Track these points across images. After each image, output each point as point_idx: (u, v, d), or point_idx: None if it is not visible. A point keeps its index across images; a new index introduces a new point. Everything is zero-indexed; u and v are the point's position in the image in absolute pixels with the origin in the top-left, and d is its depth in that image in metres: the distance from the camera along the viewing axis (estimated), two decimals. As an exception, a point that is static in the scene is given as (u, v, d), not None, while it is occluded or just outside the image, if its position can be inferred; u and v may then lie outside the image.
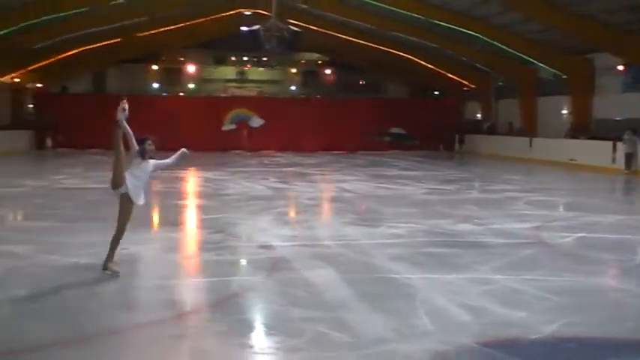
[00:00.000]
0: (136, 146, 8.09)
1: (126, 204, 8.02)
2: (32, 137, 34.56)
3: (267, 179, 20.37)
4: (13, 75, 35.37)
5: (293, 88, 46.69)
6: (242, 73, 45.80)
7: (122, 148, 7.90)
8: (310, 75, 46.69)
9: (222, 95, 43.11)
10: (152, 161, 8.20)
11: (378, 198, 16.13)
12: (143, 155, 8.10)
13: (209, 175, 21.62)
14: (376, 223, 11.86)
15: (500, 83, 36.79)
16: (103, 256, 8.02)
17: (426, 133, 37.43)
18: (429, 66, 37.18)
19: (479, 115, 38.96)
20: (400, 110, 38.33)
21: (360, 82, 45.72)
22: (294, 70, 46.66)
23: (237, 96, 42.59)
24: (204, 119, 35.72)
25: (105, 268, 7.76)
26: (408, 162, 29.15)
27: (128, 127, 8.15)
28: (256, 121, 36.64)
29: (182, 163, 8.56)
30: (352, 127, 36.78)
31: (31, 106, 37.55)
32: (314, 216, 13.55)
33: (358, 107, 37.99)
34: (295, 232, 11.26)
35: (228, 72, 46.44)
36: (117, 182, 7.88)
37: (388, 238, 10.55)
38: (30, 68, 35.37)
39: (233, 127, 36.40)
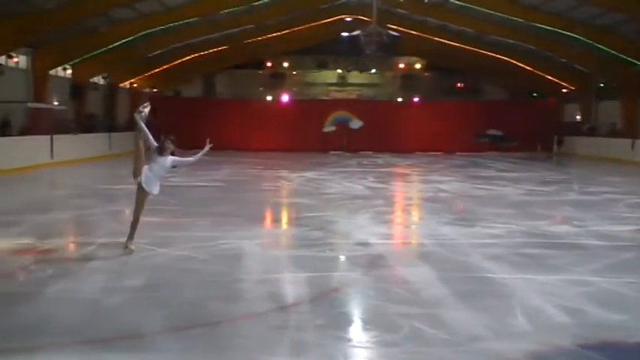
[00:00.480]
0: (154, 144, 8.76)
1: (139, 192, 8.86)
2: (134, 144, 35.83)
3: (366, 179, 20.35)
4: (132, 80, 36.86)
5: (392, 91, 46.48)
6: (342, 77, 45.92)
7: (141, 144, 8.79)
8: (409, 78, 46.28)
9: (324, 98, 43.38)
10: (171, 158, 8.83)
11: (474, 198, 15.83)
12: (161, 152, 8.74)
13: (310, 174, 21.79)
14: (472, 223, 11.64)
15: (602, 85, 35.39)
16: (210, 250, 8.23)
17: (524, 134, 36.47)
18: (528, 68, 36.21)
19: (578, 117, 37.63)
20: (498, 112, 37.49)
21: (458, 85, 45.00)
22: (392, 74, 46.44)
23: (337, 99, 42.75)
24: (306, 121, 36.08)
25: (125, 247, 8.70)
26: (505, 163, 28.49)
27: (144, 127, 8.78)
28: (356, 123, 36.70)
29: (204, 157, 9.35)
30: (450, 129, 36.27)
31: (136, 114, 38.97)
32: (411, 215, 13.44)
33: (456, 109, 37.47)
34: (392, 230, 11.20)
35: (329, 76, 46.64)
36: (135, 173, 8.81)
37: (484, 237, 10.33)
38: (146, 74, 36.76)
39: (333, 129, 36.60)
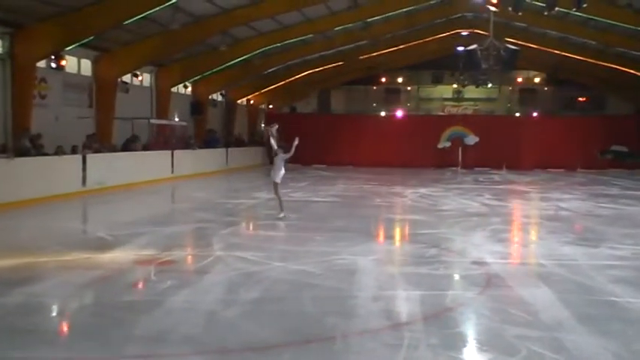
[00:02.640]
0: (275, 147, 14.15)
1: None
2: (265, 153, 36.66)
3: (482, 196, 20.00)
4: (249, 97, 37.95)
5: (509, 105, 45.52)
6: (458, 91, 45.43)
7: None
8: (527, 92, 45.26)
9: (439, 113, 43.02)
10: (281, 155, 14.06)
11: (598, 217, 15.24)
12: (276, 154, 14.14)
13: (424, 191, 21.64)
14: (596, 244, 11.21)
15: None
16: (326, 265, 8.36)
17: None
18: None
19: None
20: (623, 127, 35.81)
21: (580, 99, 43.52)
22: (510, 88, 45.49)
23: (452, 114, 42.31)
24: (420, 137, 35.78)
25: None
26: (631, 181, 27.23)
27: (272, 139, 14.22)
28: (471, 139, 36.07)
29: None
30: (570, 145, 34.99)
31: (263, 125, 39.97)
32: (529, 234, 13.11)
33: (577, 124, 36.12)
34: (510, 249, 10.96)
35: (445, 91, 46.28)
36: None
37: (609, 259, 9.93)
38: (263, 91, 37.75)
39: (448, 144, 36.13)
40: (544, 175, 31.15)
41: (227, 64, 29.44)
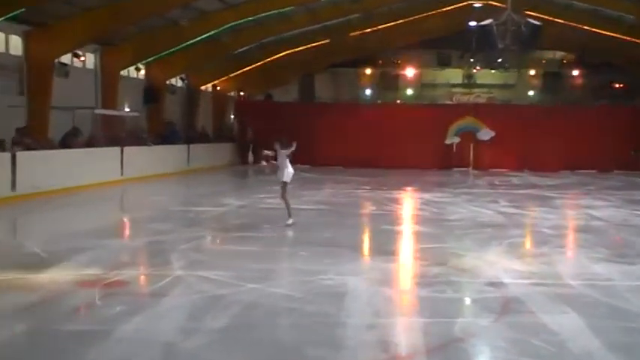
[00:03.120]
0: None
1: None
2: (235, 150, 36.58)
3: (498, 203, 20.09)
4: (215, 82, 37.89)
5: (531, 93, 45.79)
6: (469, 76, 45.72)
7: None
8: (552, 77, 45.57)
9: (446, 102, 43.18)
10: (282, 151, 14.99)
11: (636, 228, 15.39)
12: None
13: (428, 196, 21.71)
14: (634, 260, 11.32)
15: None
16: (309, 286, 8.39)
17: None
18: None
19: None
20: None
21: (617, 86, 43.84)
22: (532, 72, 45.78)
23: (462, 103, 42.49)
24: (424, 131, 35.79)
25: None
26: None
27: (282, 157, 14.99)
28: (485, 134, 36.16)
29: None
30: (604, 141, 35.13)
31: (233, 116, 39.94)
32: (554, 249, 13.19)
33: (613, 116, 36.21)
34: (531, 267, 11.02)
35: (453, 75, 46.53)
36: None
37: (649, 278, 10.06)
38: (232, 75, 37.71)
39: (457, 140, 36.19)
40: (572, 177, 31.34)
41: (189, 43, 29.38)
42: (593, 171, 34.18)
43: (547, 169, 34.15)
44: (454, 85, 46.66)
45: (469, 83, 46.26)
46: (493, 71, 44.03)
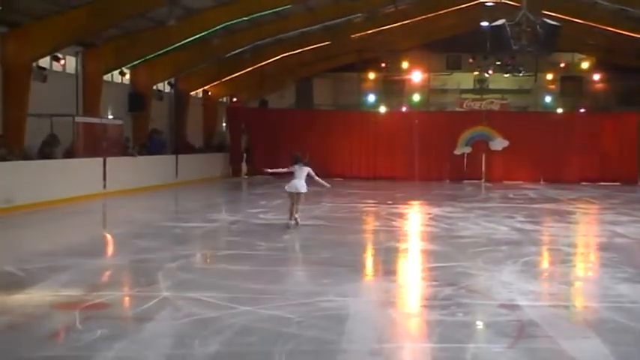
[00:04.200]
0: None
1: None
2: (226, 161, 36.56)
3: (513, 218, 20.06)
4: (206, 87, 37.90)
5: (548, 99, 45.82)
6: (481, 80, 45.72)
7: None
8: (572, 82, 45.59)
9: (456, 109, 43.19)
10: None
11: (664, 246, 15.36)
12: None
13: (438, 211, 21.69)
14: (662, 281, 11.30)
15: None
16: (308, 309, 8.34)
17: None
18: None
19: None
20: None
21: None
22: (549, 77, 45.81)
23: (473, 110, 42.50)
24: (432, 140, 35.82)
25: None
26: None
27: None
28: (499, 143, 36.20)
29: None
30: (630, 151, 35.16)
31: (224, 124, 39.92)
32: (574, 268, 13.16)
33: (638, 124, 36.38)
34: (549, 288, 10.99)
35: (464, 80, 46.54)
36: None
37: (679, 301, 10.02)
38: (224, 79, 37.73)
39: (469, 150, 36.21)
40: (594, 190, 31.32)
41: (177, 45, 29.39)
42: (617, 183, 34.19)
43: (566, 180, 34.17)
44: (465, 91, 46.66)
45: (481, 88, 46.24)
46: (507, 75, 44.03)
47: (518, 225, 18.65)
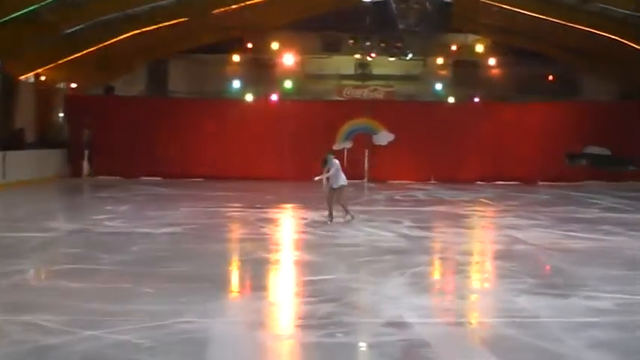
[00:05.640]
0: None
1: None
2: (65, 159, 35.83)
3: (401, 223, 20.34)
4: (39, 71, 37.03)
5: (439, 87, 46.59)
6: (363, 65, 46.06)
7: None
8: (466, 67, 46.31)
9: (335, 98, 43.43)
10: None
11: (568, 254, 15.77)
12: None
13: (314, 215, 21.80)
14: (566, 292, 11.61)
15: None
16: (161, 332, 8.25)
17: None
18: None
19: None
20: (605, 120, 37.13)
21: (545, 79, 44.91)
22: (440, 61, 46.55)
23: (355, 99, 42.81)
24: (307, 133, 35.82)
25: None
26: (615, 198, 28.41)
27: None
28: (383, 137, 36.61)
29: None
30: (530, 146, 36.02)
31: (62, 115, 39.09)
32: (470, 279, 13.43)
33: (539, 115, 37.25)
34: (441, 302, 11.18)
35: (343, 64, 46.77)
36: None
37: (585, 314, 10.34)
38: (61, 61, 36.96)
39: (349, 145, 36.48)
40: (491, 190, 32.03)
41: (4, 20, 28.68)
42: (517, 182, 35.03)
43: (459, 180, 34.75)
44: (345, 77, 46.88)
45: (363, 74, 46.49)
46: (393, 59, 44.49)
47: (406, 231, 18.92)
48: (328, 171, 20.44)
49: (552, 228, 19.73)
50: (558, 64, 43.73)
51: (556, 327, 9.57)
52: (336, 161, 20.80)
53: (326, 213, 20.35)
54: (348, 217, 20.20)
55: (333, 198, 20.29)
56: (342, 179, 20.38)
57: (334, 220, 19.98)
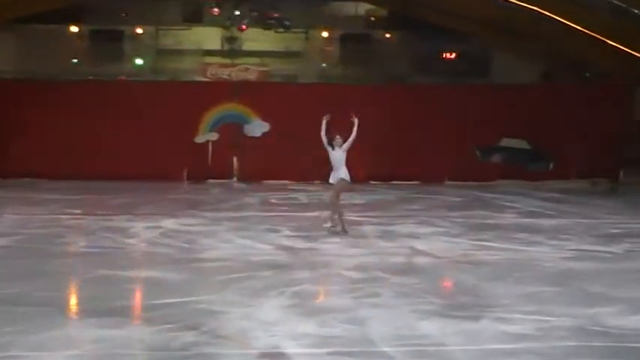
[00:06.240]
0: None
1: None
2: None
3: (279, 232, 20.41)
4: None
5: (324, 65, 46.82)
6: (232, 39, 46.05)
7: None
8: (356, 42, 46.76)
9: (197, 79, 43.31)
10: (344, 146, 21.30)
11: (479, 267, 16.07)
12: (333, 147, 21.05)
13: (172, 223, 21.75)
14: (477, 314, 11.78)
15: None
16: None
17: (568, 149, 36.78)
18: (575, 27, 36.75)
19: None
20: (520, 107, 37.67)
21: (448, 56, 45.50)
22: (325, 34, 46.79)
23: (221, 80, 42.77)
24: (162, 122, 35.57)
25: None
26: (534, 201, 28.96)
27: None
28: (257, 127, 36.60)
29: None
30: (434, 137, 36.34)
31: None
32: (362, 299, 13.49)
33: (443, 100, 37.58)
34: (328, 328, 11.20)
35: (207, 37, 46.73)
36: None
37: (500, 340, 10.51)
38: None
39: (214, 137, 36.38)
40: (387, 191, 32.34)
41: None
42: (416, 182, 35.38)
43: (350, 178, 34.93)
44: (209, 53, 46.81)
45: (232, 50, 46.53)
46: (268, 32, 44.55)
47: (286, 242, 18.99)
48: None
49: (461, 237, 20.05)
50: (467, 40, 44.34)
51: (466, 356, 9.68)
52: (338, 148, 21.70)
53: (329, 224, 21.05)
54: (334, 225, 20.80)
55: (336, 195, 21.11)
56: (344, 172, 21.51)
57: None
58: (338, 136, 21.76)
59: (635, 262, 16.83)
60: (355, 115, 22.12)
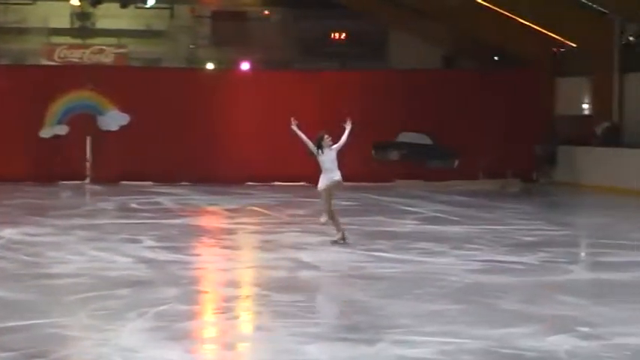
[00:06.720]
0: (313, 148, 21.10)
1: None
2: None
3: (140, 242, 20.34)
4: None
5: (192, 47, 46.77)
6: (84, 16, 45.71)
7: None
8: (230, 21, 46.75)
9: (43, 63, 42.96)
10: (335, 146, 20.99)
11: (375, 282, 16.17)
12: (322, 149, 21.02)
13: (12, 233, 21.54)
14: (373, 337, 11.82)
15: (632, 39, 36.64)
16: None
17: (476, 144, 37.12)
18: (486, 4, 37.13)
19: (586, 106, 38.85)
20: (421, 96, 37.94)
21: (338, 36, 45.71)
22: (193, 11, 46.70)
23: (71, 64, 42.48)
24: (12, 114, 35.27)
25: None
26: (437, 204, 29.25)
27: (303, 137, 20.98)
28: (113, 118, 36.43)
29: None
30: (320, 131, 36.38)
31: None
32: (237, 321, 13.53)
33: (333, 89, 37.66)
34: (198, 354, 11.22)
35: (54, 13, 46.35)
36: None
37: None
38: None
39: (63, 130, 36.12)
40: (267, 194, 32.44)
41: None
42: (303, 183, 35.44)
43: (222, 180, 34.96)
44: (57, 32, 46.42)
45: (84, 28, 46.19)
46: (125, 9, 44.29)
47: (148, 253, 18.94)
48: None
49: (353, 247, 20.17)
50: (361, 19, 44.56)
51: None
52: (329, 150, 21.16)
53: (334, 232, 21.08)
54: (343, 238, 20.80)
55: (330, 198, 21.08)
56: (337, 172, 21.03)
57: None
58: (327, 136, 21.48)
59: (552, 275, 17.05)
60: (349, 120, 21.95)
